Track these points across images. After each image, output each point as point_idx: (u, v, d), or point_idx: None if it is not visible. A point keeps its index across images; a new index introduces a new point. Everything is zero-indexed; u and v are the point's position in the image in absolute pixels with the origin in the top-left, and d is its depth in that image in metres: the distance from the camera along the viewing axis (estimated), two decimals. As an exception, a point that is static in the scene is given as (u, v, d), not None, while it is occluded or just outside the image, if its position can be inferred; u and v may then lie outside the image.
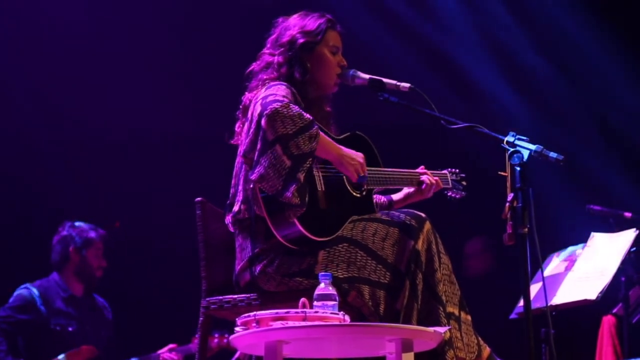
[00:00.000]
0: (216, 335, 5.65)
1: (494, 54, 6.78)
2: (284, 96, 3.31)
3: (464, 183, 4.05)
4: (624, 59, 6.60)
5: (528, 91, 6.83)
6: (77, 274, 5.65)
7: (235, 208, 3.44)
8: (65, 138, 6.63)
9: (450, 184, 4.00)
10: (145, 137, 6.63)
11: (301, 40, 3.52)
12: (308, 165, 3.27)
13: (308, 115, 3.28)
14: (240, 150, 3.48)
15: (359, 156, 3.42)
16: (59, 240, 5.68)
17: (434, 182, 3.81)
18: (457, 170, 4.04)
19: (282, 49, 3.52)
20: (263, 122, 3.23)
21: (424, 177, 3.80)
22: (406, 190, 3.85)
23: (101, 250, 5.71)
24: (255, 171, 3.25)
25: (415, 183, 3.80)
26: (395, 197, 3.88)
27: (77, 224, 5.73)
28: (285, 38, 3.53)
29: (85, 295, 5.70)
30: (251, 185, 3.32)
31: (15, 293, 5.54)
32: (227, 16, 6.52)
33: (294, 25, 3.56)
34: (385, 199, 3.88)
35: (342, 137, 3.57)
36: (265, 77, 3.50)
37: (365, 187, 3.54)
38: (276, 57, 3.52)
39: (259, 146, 3.26)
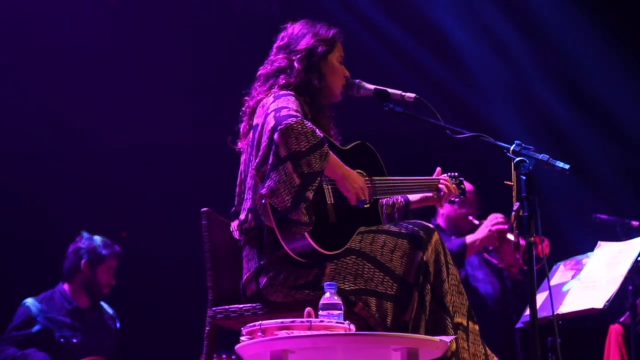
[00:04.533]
0: (224, 357, 5.54)
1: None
2: (296, 110, 3.29)
3: (463, 186, 4.04)
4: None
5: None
6: (84, 287, 5.63)
7: (242, 217, 3.43)
8: (68, 146, 6.64)
9: None
10: (149, 145, 6.64)
11: (321, 49, 3.52)
12: (317, 184, 3.26)
13: (320, 133, 3.26)
14: (244, 158, 3.48)
15: (361, 181, 3.42)
16: (73, 251, 5.66)
17: (452, 189, 3.84)
18: (456, 174, 4.03)
19: (299, 56, 3.51)
20: (276, 137, 3.21)
21: (441, 185, 3.83)
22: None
23: (113, 269, 5.69)
24: (266, 185, 3.23)
25: (433, 189, 3.83)
26: (412, 197, 3.89)
27: (95, 237, 5.70)
28: (302, 45, 3.52)
29: (90, 307, 5.69)
30: (263, 201, 3.28)
31: (18, 312, 5.51)
32: (231, 22, 6.54)
33: (306, 32, 3.55)
34: (402, 199, 3.88)
35: (348, 147, 3.57)
36: (282, 81, 3.48)
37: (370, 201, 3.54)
38: (295, 63, 3.50)
39: (270, 160, 3.24)
